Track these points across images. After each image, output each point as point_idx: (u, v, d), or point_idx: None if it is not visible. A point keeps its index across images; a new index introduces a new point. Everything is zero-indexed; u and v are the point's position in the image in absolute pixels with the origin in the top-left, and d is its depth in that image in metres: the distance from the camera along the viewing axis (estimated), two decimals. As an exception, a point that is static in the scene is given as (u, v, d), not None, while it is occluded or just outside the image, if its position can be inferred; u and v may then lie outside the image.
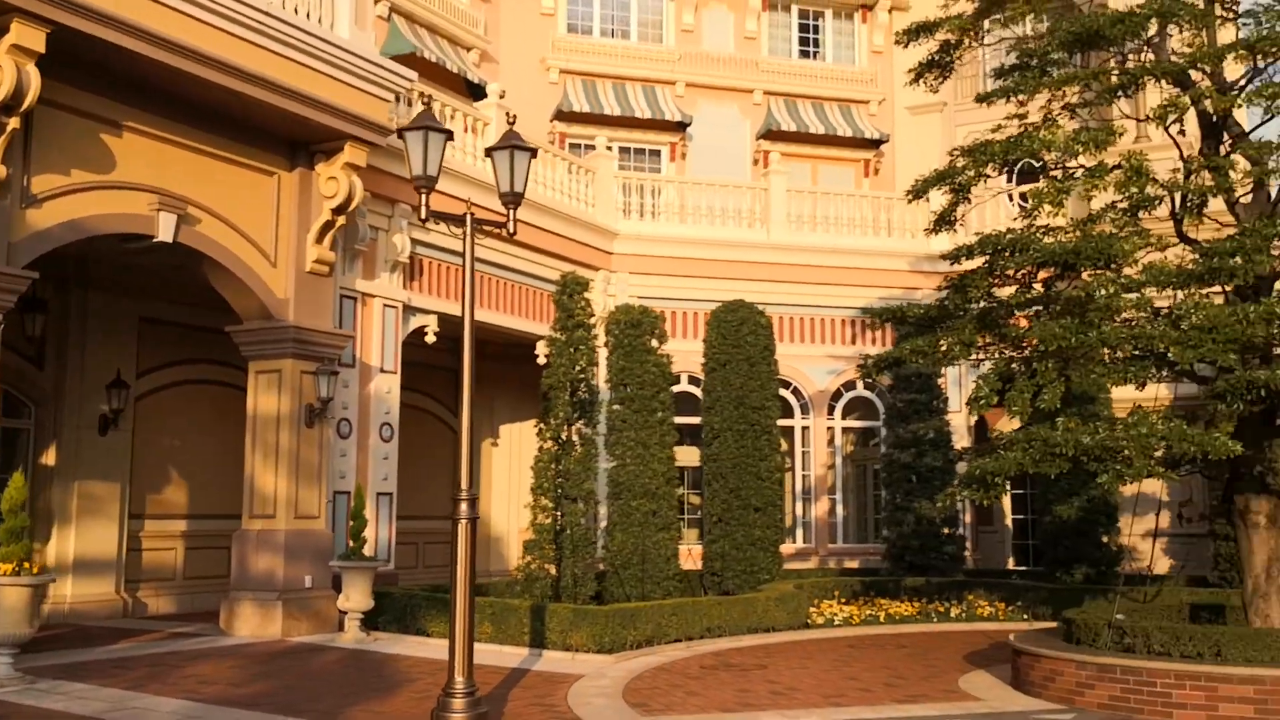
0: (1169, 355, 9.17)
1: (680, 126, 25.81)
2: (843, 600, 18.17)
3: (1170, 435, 9.40)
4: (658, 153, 26.11)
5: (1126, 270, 10.69)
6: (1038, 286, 10.96)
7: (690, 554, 19.98)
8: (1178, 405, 18.96)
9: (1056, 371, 10.15)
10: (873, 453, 23.05)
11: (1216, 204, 11.46)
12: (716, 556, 18.28)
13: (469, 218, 9.98)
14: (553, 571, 15.80)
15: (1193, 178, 10.38)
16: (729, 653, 14.18)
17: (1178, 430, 9.43)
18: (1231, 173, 10.18)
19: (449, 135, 9.82)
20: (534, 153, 10.22)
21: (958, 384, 22.32)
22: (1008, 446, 10.33)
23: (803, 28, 27.62)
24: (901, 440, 20.50)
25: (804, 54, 27.56)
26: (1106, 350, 9.50)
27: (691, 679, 12.10)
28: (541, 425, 16.34)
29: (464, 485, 9.59)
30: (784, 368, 21.85)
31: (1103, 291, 9.64)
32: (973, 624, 17.39)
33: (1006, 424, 21.42)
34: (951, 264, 11.25)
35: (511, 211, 10.14)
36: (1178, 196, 10.44)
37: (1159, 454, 10.08)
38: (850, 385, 22.86)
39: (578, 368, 16.23)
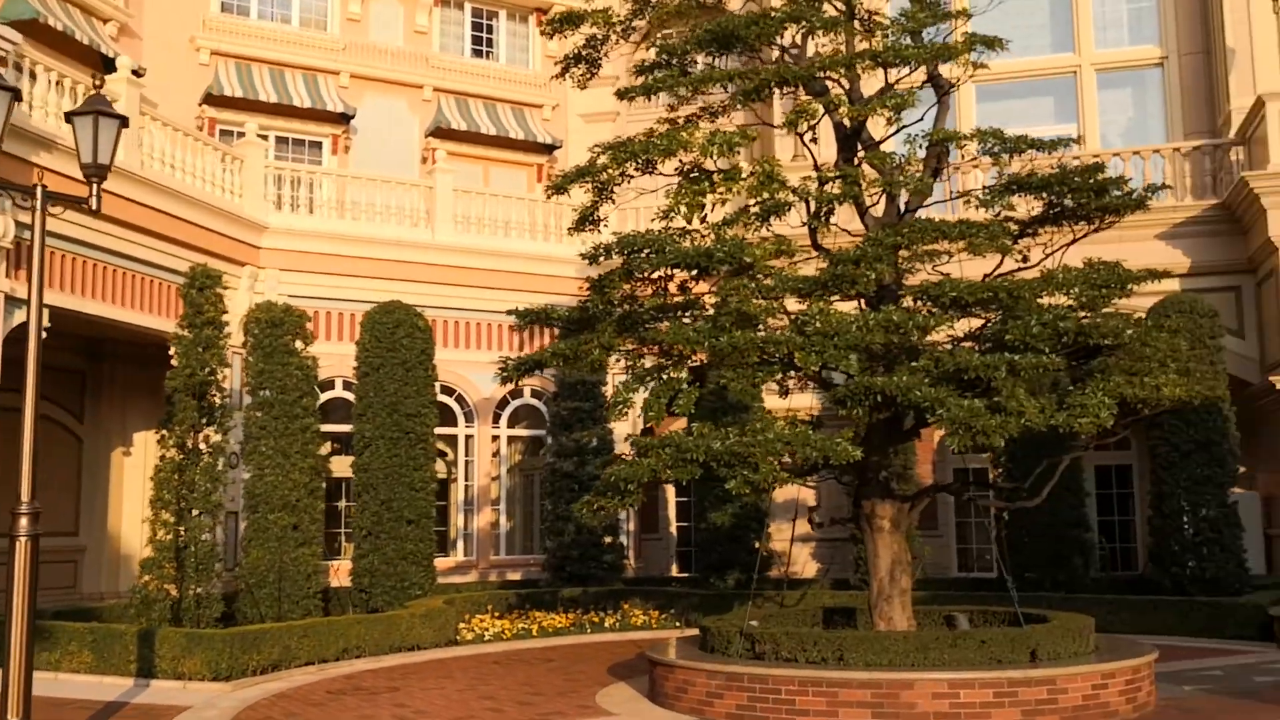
0: (794, 360, 9.12)
1: (344, 118, 24.57)
2: (496, 614, 17.58)
3: (795, 441, 9.35)
4: (319, 145, 24.73)
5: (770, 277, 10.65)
6: (674, 289, 10.80)
7: (339, 571, 18.86)
8: (825, 414, 19.62)
9: (692, 376, 9.97)
10: (540, 462, 22.64)
11: (855, 215, 11.70)
12: (365, 572, 17.27)
13: (40, 189, 8.69)
14: (174, 592, 14.34)
15: (828, 186, 10.46)
16: (363, 675, 13.26)
17: (802, 436, 9.40)
18: (861, 182, 10.34)
19: (123, 121, 8.87)
20: (123, 121, 9.06)
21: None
22: (643, 453, 10.03)
23: (476, 26, 26.98)
24: (564, 449, 20.17)
25: (477, 53, 26.93)
26: (737, 355, 9.36)
27: (313, 706, 11.13)
28: (164, 432, 14.84)
29: (24, 497, 8.30)
30: (448, 374, 21.10)
31: (734, 298, 9.54)
32: (626, 633, 17.23)
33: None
34: (590, 264, 10.91)
35: (95, 185, 8.94)
36: (811, 204, 10.51)
37: (787, 460, 10.06)
38: (517, 393, 22.35)
39: (207, 369, 14.85)
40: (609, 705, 11.19)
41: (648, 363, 11.39)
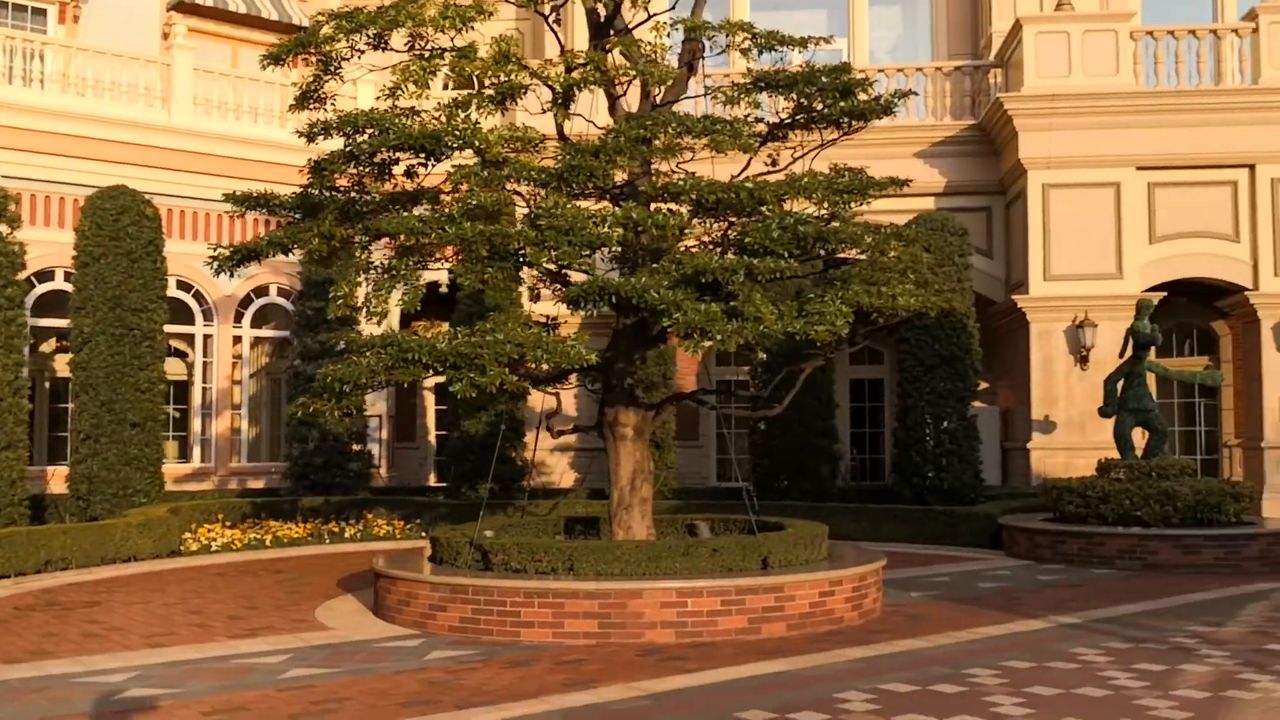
0: (526, 256, 8.53)
1: (73, -16, 22.30)
2: (228, 524, 16.56)
3: (526, 343, 8.80)
4: (43, 12, 22.37)
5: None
6: (400, 176, 9.98)
7: (56, 476, 17.41)
8: (589, 321, 19.21)
9: (418, 269, 9.27)
10: (286, 365, 21.46)
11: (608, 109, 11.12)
12: (83, 479, 15.93)
13: None
14: None
15: (575, 72, 9.79)
16: (64, 589, 12.16)
17: (533, 338, 8.86)
18: (604, 68, 9.72)
19: None
20: None
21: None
22: (362, 352, 9.29)
23: (227, -108, 24.82)
24: (310, 351, 19.12)
25: (229, -78, 24.81)
26: (466, 248, 8.68)
27: (-8, 625, 10.05)
28: None
29: None
30: (184, 268, 19.63)
31: (464, 186, 8.84)
32: (367, 544, 16.53)
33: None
34: (309, 142, 9.97)
35: None
36: (554, 90, 9.84)
37: (532, 365, 9.51)
38: (262, 291, 21.03)
39: (-116, 250, 13.15)
40: (328, 619, 10.54)
41: (379, 257, 10.58)
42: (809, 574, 10.03)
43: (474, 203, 8.88)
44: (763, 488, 18.28)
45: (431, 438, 24.40)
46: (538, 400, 20.02)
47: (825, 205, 9.48)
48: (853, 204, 9.52)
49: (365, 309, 9.33)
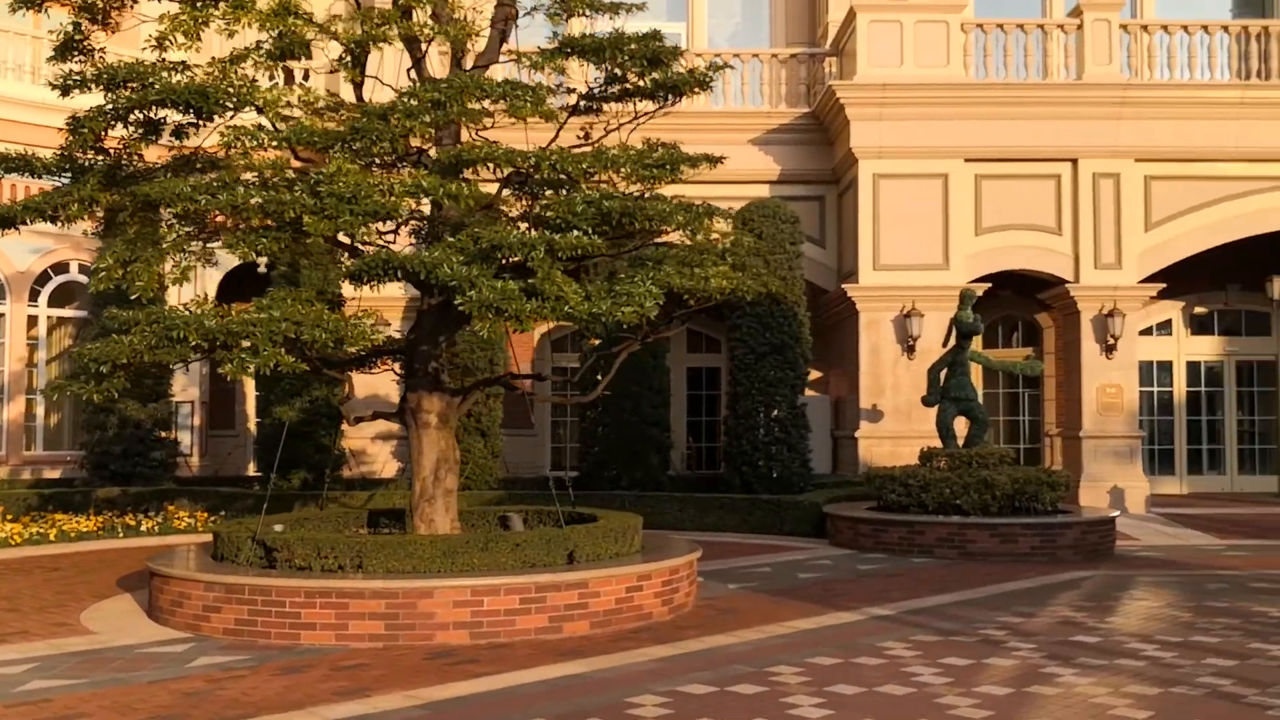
0: (305, 225, 7.81)
1: None
2: (9, 517, 15.28)
3: (306, 321, 8.07)
4: None
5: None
6: (169, 136, 9.12)
7: None
8: (413, 305, 18.42)
9: (191, 240, 8.45)
10: (89, 346, 20.07)
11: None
12: None
13: None
14: None
15: (365, 26, 9.05)
16: None
17: (314, 316, 8.13)
18: (396, 25, 9.01)
19: None
20: None
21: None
22: (125, 329, 8.44)
23: None
24: (108, 330, 17.81)
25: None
26: (238, 216, 7.92)
27: None
28: None
29: None
30: (-30, 240, 18.09)
31: (235, 148, 8.07)
32: (166, 538, 15.45)
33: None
34: (63, 96, 9.02)
35: None
36: (346, 47, 9.11)
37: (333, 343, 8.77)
38: (62, 267, 19.61)
39: None
40: (94, 622, 9.63)
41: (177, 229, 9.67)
42: (616, 568, 9.57)
43: (244, 165, 8.10)
44: (593, 477, 17.84)
45: (251, 425, 23.22)
46: (362, 385, 19.18)
47: (635, 180, 8.99)
48: (664, 180, 9.05)
49: (127, 283, 8.46)
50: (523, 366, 21.30)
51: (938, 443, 16.16)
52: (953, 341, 16.06)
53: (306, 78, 14.98)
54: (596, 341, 17.79)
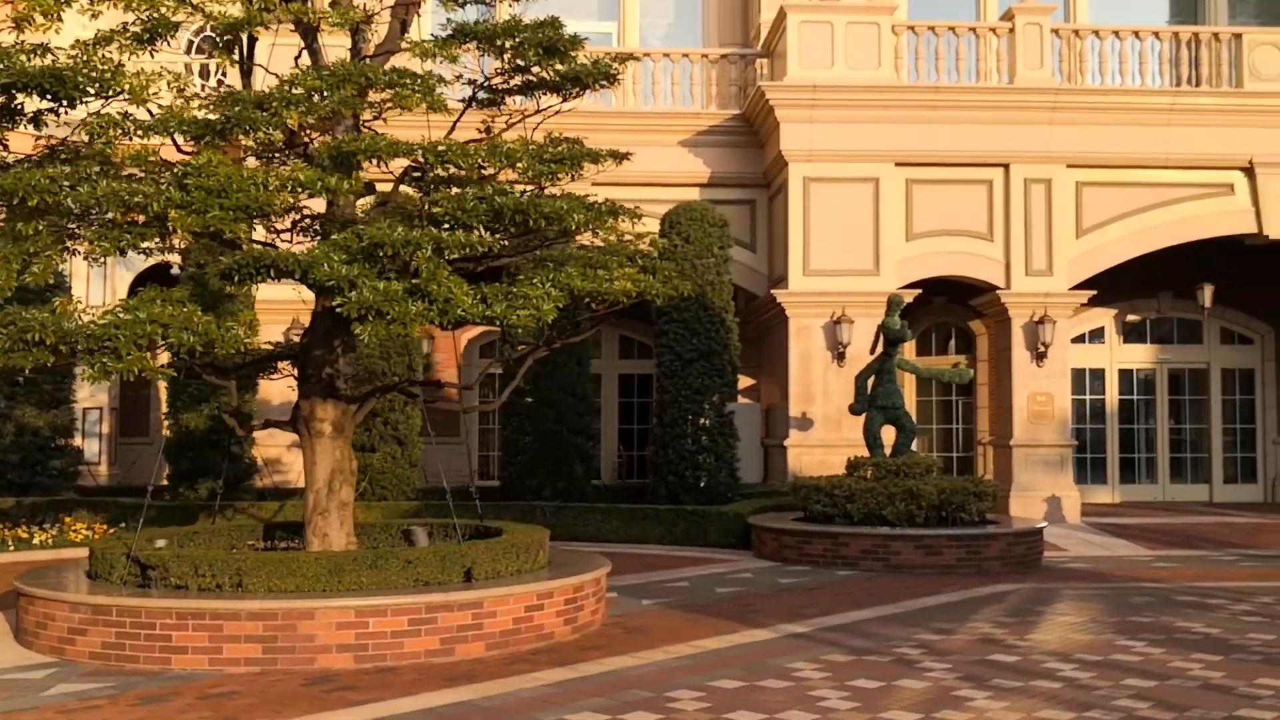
0: (170, 220, 7.25)
1: None
2: (-110, 531, 14.51)
3: (174, 324, 7.51)
4: None
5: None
6: (26, 125, 8.50)
7: None
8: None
9: (52, 237, 7.87)
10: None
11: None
12: None
13: None
14: None
15: (245, 7, 8.48)
16: None
17: (183, 318, 7.56)
18: (298, 10, 8.47)
19: None
20: None
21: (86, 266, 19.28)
22: (-21, 331, 7.81)
23: None
24: None
25: None
26: (98, 209, 7.34)
27: None
28: None
29: None
30: None
31: (100, 137, 7.50)
32: (61, 551, 14.71)
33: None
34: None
35: None
36: (227, 32, 8.55)
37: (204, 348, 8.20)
38: (-39, 267, 18.76)
39: None
40: (-48, 647, 8.97)
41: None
42: (515, 586, 9.07)
43: (106, 154, 7.53)
44: (515, 487, 17.32)
45: (166, 432, 22.43)
46: (275, 392, 18.52)
47: (533, 176, 8.51)
48: (564, 175, 8.58)
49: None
50: (447, 372, 20.80)
51: (867, 452, 15.82)
52: (880, 348, 15.73)
53: (206, 72, 14.35)
54: (521, 347, 17.31)
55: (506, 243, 8.85)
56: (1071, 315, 18.92)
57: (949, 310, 21.78)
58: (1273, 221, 18.94)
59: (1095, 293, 18.88)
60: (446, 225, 8.00)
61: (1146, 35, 19.24)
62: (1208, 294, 21.21)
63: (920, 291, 18.64)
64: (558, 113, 9.85)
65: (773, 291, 18.61)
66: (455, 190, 8.29)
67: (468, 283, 8.13)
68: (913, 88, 18.40)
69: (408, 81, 7.96)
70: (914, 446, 15.58)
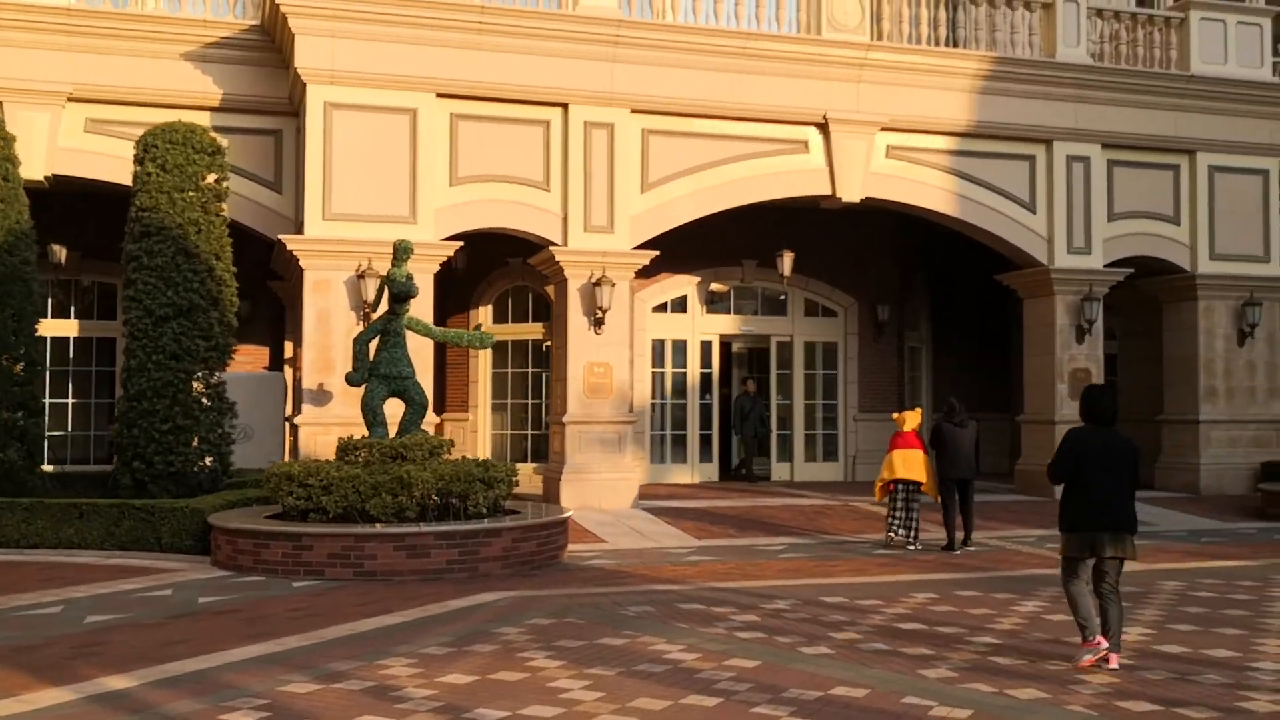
0: None
1: None
2: None
3: None
4: None
5: None
6: None
7: None
8: None
9: None
10: None
11: None
12: None
13: None
14: None
15: None
16: None
17: None
18: None
19: None
20: None
21: None
22: None
23: None
24: None
25: None
26: None
27: None
28: None
29: None
30: None
31: None
32: None
33: None
34: None
35: None
36: None
37: None
38: None
39: None
40: None
41: None
42: None
43: None
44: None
45: None
46: None
47: None
48: None
49: None
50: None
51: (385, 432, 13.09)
52: (385, 306, 13.04)
53: None
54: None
55: None
56: (632, 276, 16.92)
57: (527, 273, 19.46)
58: (847, 183, 17.68)
59: (658, 253, 16.95)
60: None
61: (722, -28, 17.47)
62: (787, 262, 19.93)
63: (461, 245, 16.10)
64: None
65: (282, 238, 15.49)
66: None
67: None
68: (463, 5, 15.67)
69: None
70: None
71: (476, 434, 20.69)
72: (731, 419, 21.03)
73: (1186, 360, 19.70)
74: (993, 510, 16.71)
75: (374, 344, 13.29)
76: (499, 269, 20.47)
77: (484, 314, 20.84)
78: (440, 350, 20.42)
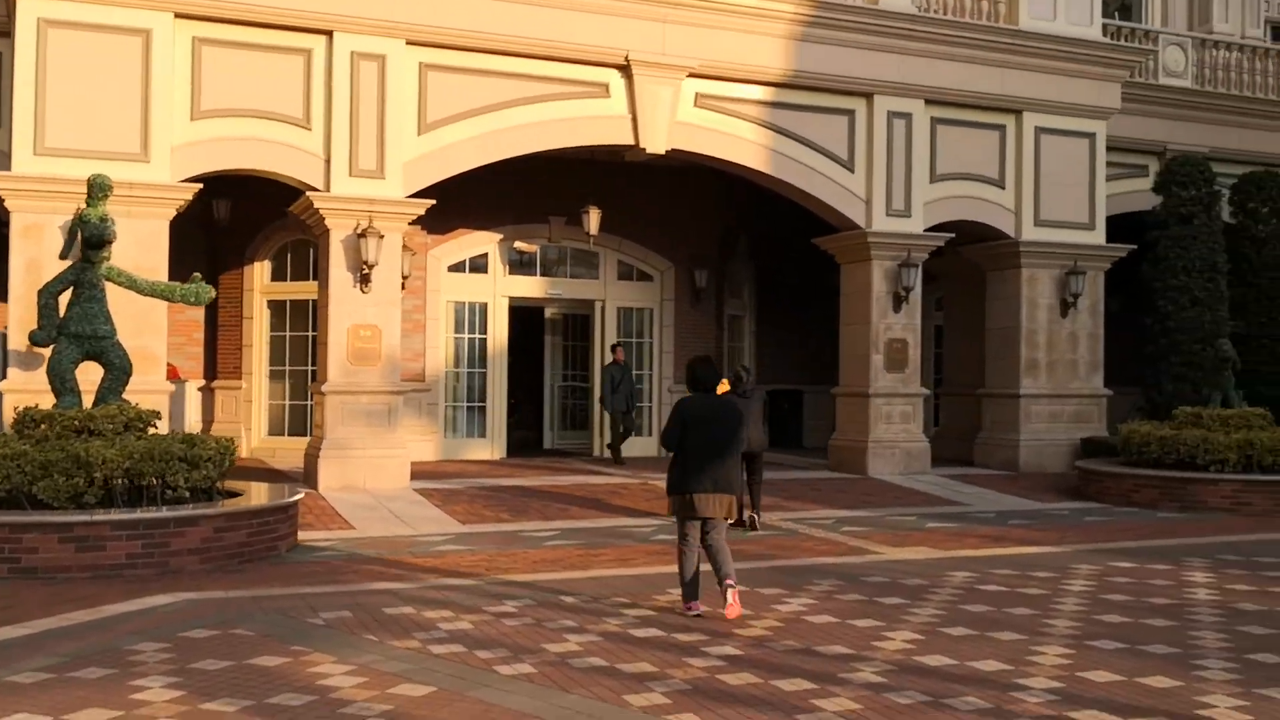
0: None
1: None
2: None
3: None
4: None
5: None
6: None
7: None
8: None
9: None
10: None
11: None
12: None
13: None
14: None
15: None
16: None
17: None
18: None
19: None
20: None
21: None
22: None
23: None
24: None
25: None
26: None
27: None
28: None
29: None
30: None
31: None
32: None
33: None
34: None
35: None
36: None
37: None
38: None
39: None
40: None
41: None
42: None
43: None
44: None
45: None
46: None
47: None
48: None
49: None
50: None
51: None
52: (77, 254, 11.06)
53: None
54: None
55: None
56: (404, 227, 15.12)
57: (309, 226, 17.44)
58: (651, 132, 16.16)
59: (434, 202, 15.18)
60: None
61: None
62: (594, 219, 18.39)
63: (201, 186, 14.10)
64: None
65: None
66: None
67: None
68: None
69: None
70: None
71: (251, 404, 18.69)
72: (601, 392, 18.85)
73: (1008, 332, 18.81)
74: (798, 489, 15.52)
75: (65, 297, 11.31)
76: (278, 220, 18.41)
77: (261, 270, 18.81)
78: (212, 310, 18.37)
